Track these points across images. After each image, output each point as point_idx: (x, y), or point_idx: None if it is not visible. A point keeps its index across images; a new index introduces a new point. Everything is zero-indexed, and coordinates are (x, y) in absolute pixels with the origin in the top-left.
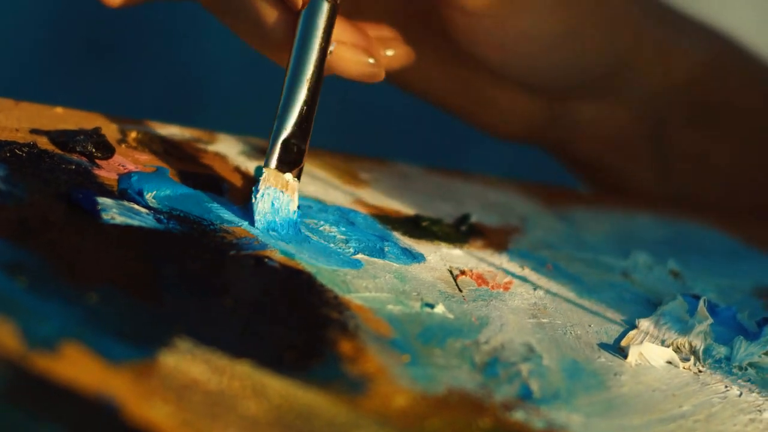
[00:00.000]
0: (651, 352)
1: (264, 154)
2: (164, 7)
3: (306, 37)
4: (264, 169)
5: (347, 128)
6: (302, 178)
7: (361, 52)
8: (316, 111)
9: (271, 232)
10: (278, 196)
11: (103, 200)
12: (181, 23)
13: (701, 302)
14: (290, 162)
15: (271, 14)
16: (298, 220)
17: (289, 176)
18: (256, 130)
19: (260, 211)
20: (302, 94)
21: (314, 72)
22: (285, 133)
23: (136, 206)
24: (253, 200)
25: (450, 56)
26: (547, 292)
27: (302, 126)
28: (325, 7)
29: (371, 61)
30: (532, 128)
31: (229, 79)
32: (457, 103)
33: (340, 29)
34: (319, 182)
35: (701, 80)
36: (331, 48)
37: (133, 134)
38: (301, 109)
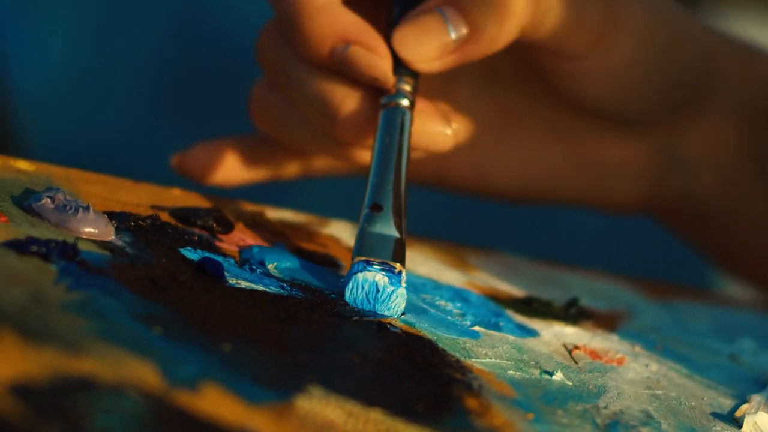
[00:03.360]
0: (766, 422)
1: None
2: None
3: (389, 135)
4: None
5: (452, 217)
6: (414, 259)
7: (440, 121)
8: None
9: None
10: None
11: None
12: None
13: None
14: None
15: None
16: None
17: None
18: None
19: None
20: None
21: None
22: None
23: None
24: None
25: (551, 128)
26: (659, 368)
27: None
28: (408, 114)
29: (449, 132)
30: (650, 186)
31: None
32: (570, 184)
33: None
34: (431, 264)
35: None
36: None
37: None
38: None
